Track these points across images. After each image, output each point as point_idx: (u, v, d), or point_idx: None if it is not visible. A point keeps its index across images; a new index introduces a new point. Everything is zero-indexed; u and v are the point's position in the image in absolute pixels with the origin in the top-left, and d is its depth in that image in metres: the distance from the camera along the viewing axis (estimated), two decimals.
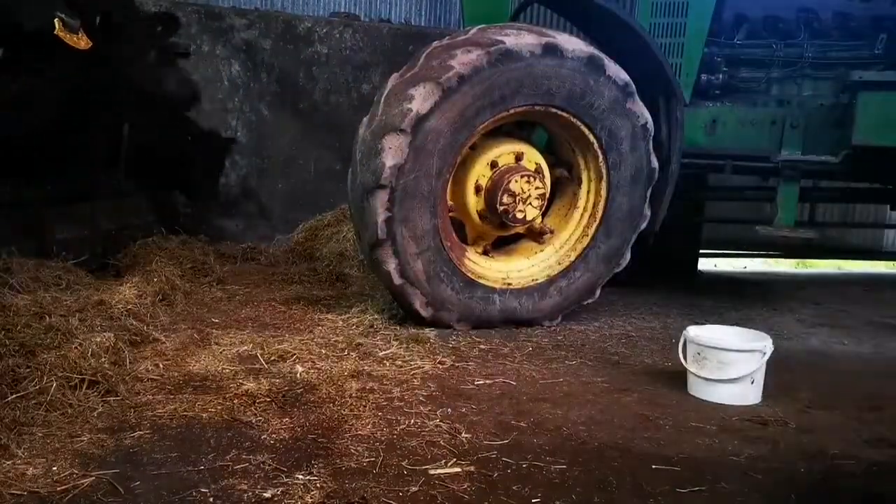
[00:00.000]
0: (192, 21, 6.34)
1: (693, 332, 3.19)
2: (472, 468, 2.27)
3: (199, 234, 5.93)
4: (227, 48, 6.46)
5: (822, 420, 2.90)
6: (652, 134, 4.26)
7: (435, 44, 3.97)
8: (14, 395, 2.52)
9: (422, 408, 2.77)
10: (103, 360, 2.84)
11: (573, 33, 4.66)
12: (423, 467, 2.26)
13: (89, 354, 2.82)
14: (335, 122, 6.65)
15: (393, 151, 3.69)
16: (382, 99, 3.87)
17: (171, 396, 2.76)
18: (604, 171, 4.22)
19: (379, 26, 7.00)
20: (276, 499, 1.98)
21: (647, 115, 4.20)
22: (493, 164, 4.10)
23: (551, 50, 3.87)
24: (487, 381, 3.16)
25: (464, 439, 2.50)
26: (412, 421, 2.63)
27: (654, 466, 2.36)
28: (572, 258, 4.29)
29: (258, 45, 6.52)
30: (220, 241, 6.00)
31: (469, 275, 4.04)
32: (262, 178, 6.67)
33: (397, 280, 3.85)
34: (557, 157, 4.42)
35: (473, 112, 3.79)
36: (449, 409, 2.78)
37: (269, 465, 2.20)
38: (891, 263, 8.52)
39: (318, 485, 2.06)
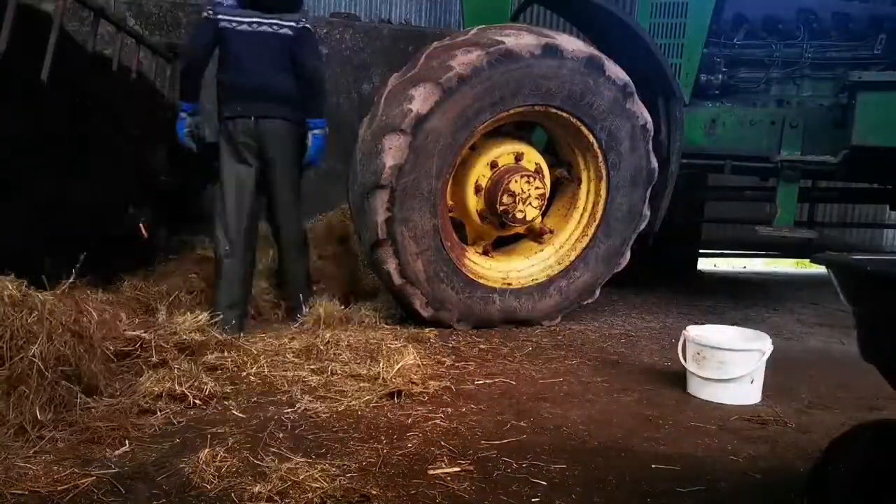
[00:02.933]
0: (193, 21, 6.34)
1: (693, 331, 3.19)
2: (472, 468, 2.27)
3: (199, 233, 5.92)
4: None
5: (822, 420, 2.90)
6: (651, 134, 4.27)
7: (435, 44, 3.98)
8: (15, 396, 2.52)
9: (422, 408, 2.78)
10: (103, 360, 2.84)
11: (573, 33, 4.67)
12: (423, 467, 2.26)
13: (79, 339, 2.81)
14: (335, 122, 6.64)
15: (393, 152, 3.69)
16: (382, 99, 3.88)
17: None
18: (603, 171, 4.22)
19: (379, 27, 7.01)
20: (274, 496, 1.98)
21: (646, 116, 4.21)
22: (493, 165, 4.11)
23: (551, 50, 3.88)
24: (487, 381, 3.16)
25: (464, 439, 2.50)
26: (412, 420, 2.64)
27: (653, 466, 2.37)
28: (572, 258, 4.30)
29: None
30: None
31: (469, 275, 4.04)
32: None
33: (397, 280, 3.85)
34: (557, 157, 4.42)
35: (473, 112, 3.80)
36: (449, 409, 2.78)
37: (269, 462, 2.20)
38: None
39: (317, 483, 2.06)
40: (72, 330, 2.55)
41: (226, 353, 3.24)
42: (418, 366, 3.16)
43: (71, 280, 2.77)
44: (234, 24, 3.71)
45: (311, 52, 3.86)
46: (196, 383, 2.79)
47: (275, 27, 3.74)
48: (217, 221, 3.79)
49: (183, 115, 3.82)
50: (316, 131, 3.87)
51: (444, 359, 3.43)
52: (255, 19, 3.73)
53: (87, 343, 2.60)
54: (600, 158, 4.20)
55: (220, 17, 3.70)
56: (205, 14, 3.74)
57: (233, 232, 3.75)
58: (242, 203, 3.78)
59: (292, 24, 3.77)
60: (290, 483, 2.04)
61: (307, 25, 3.81)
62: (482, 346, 3.75)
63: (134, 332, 2.99)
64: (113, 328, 2.90)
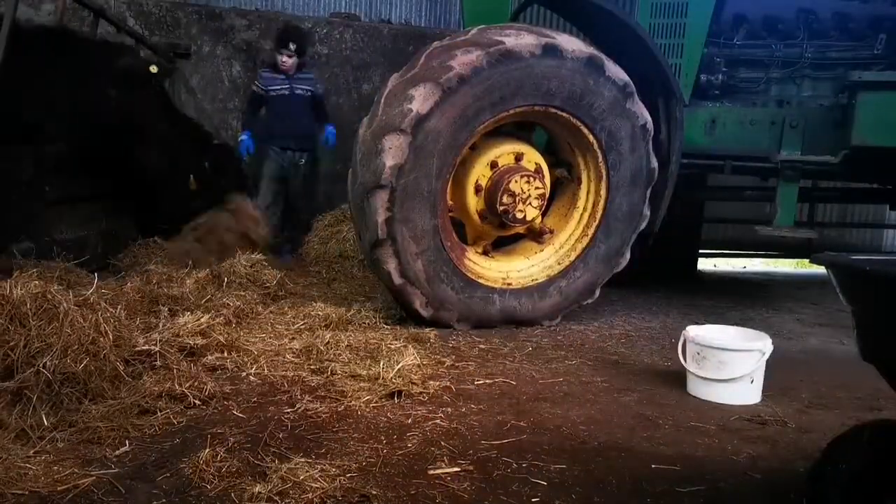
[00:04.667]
0: (193, 21, 6.35)
1: (693, 331, 3.19)
2: (472, 468, 2.27)
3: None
4: (228, 49, 6.46)
5: (822, 420, 2.90)
6: (651, 134, 4.26)
7: (435, 44, 3.98)
8: (15, 396, 2.52)
9: (422, 408, 2.78)
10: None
11: (573, 34, 4.67)
12: (423, 467, 2.26)
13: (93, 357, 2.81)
14: (335, 122, 6.65)
15: (393, 151, 3.69)
16: (383, 99, 3.88)
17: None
18: (603, 171, 4.22)
19: (379, 26, 7.01)
20: (274, 496, 1.98)
21: (646, 116, 4.21)
22: (493, 165, 4.10)
23: (551, 50, 3.87)
24: (487, 381, 3.17)
25: (464, 439, 2.50)
26: (412, 420, 2.64)
27: (653, 466, 2.37)
28: (572, 258, 4.30)
29: (259, 45, 6.52)
30: None
31: (469, 275, 4.04)
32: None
33: (397, 280, 3.85)
34: (557, 157, 4.42)
35: (473, 112, 3.80)
36: (449, 409, 2.78)
37: (269, 462, 2.20)
38: None
39: (317, 483, 2.06)
40: (88, 350, 2.56)
41: (226, 354, 3.24)
42: (418, 366, 3.16)
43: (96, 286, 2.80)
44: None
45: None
46: (196, 383, 2.79)
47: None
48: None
49: (245, 137, 5.90)
50: None
51: (444, 359, 3.43)
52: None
53: (101, 362, 2.61)
54: (600, 158, 4.20)
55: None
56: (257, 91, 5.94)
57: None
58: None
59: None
60: (290, 483, 2.05)
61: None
62: (482, 346, 3.75)
63: (145, 347, 2.99)
64: (126, 343, 2.90)
